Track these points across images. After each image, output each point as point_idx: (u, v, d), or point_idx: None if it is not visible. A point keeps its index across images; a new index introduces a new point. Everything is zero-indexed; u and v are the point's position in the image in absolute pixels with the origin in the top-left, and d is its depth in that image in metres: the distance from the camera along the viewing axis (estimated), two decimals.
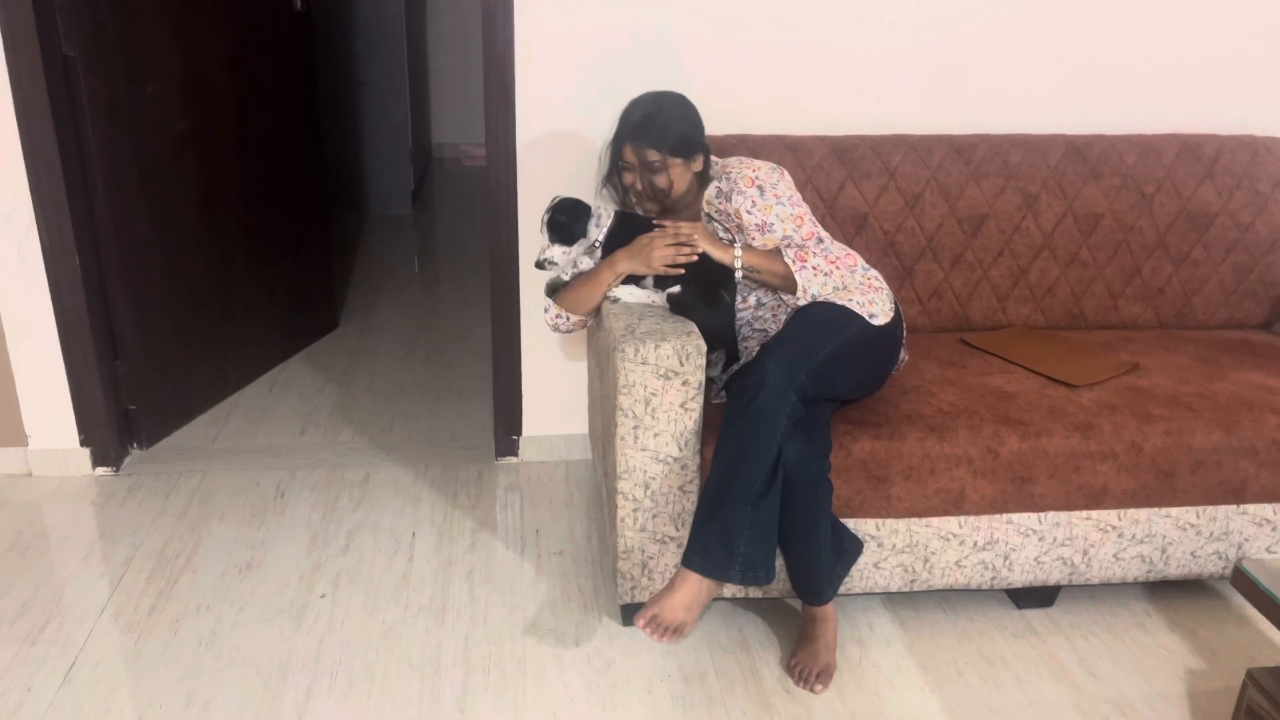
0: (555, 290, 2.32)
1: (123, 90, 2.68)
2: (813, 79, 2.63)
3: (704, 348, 2.02)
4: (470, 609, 2.32)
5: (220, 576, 2.40)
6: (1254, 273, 2.71)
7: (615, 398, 2.04)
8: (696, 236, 2.14)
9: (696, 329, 2.07)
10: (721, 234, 2.25)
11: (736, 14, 2.56)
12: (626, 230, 2.23)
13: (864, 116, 2.64)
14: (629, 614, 2.26)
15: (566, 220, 2.22)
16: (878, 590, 2.24)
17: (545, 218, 2.22)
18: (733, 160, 2.27)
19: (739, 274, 2.16)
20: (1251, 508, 2.25)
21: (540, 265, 2.25)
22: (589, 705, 2.05)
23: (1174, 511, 2.23)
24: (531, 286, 2.76)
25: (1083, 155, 2.63)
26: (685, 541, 2.13)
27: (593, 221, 2.23)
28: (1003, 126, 2.68)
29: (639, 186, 2.23)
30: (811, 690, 2.09)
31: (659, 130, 2.18)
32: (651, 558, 2.16)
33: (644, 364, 2.00)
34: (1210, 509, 2.24)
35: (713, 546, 1.99)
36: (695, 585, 2.00)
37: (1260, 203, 2.68)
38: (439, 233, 5.39)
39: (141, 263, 2.83)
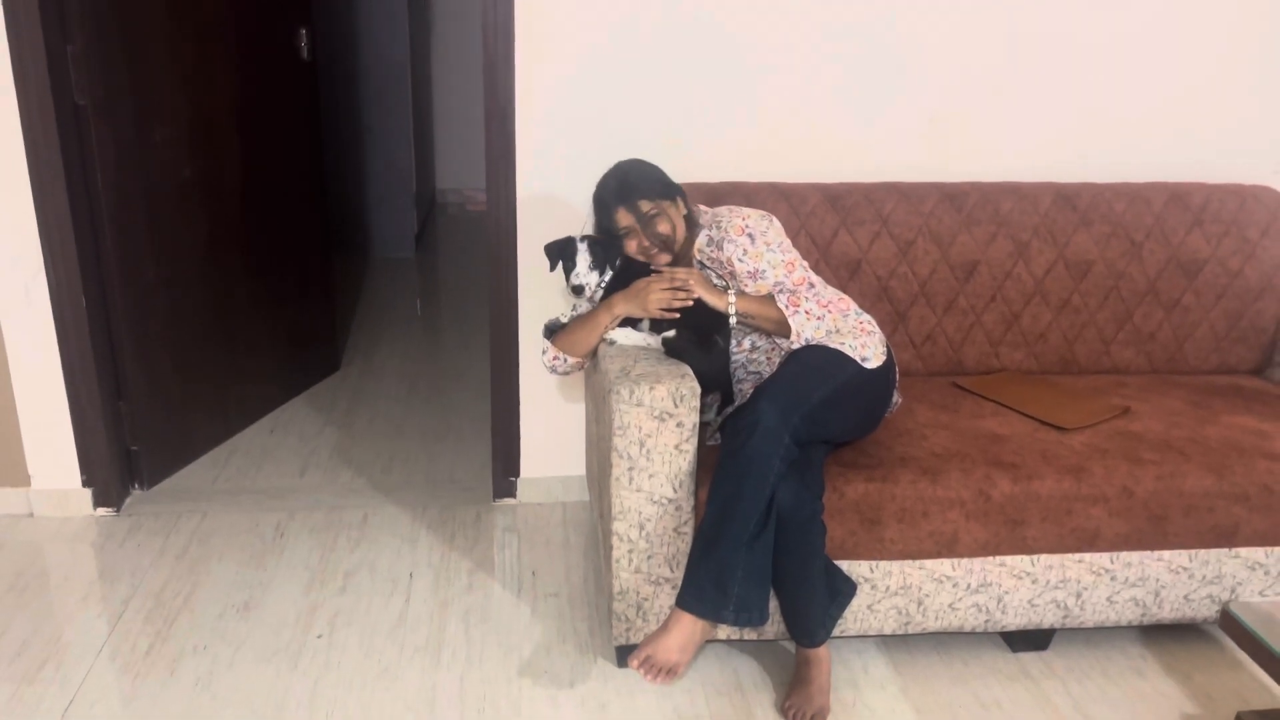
0: (553, 332, 2.36)
1: (132, 137, 2.74)
2: (805, 127, 2.69)
3: (698, 390, 2.05)
4: (466, 650, 2.32)
5: (218, 617, 2.41)
6: (1244, 318, 2.75)
7: (610, 439, 2.06)
8: (692, 283, 2.18)
9: (691, 371, 2.11)
10: (715, 280, 2.28)
11: (733, 66, 2.62)
12: (625, 275, 2.27)
13: (857, 164, 2.69)
14: (624, 655, 2.26)
15: (603, 247, 2.27)
16: (872, 633, 2.25)
17: (583, 243, 2.27)
18: (722, 209, 2.32)
19: (733, 320, 2.20)
20: (1244, 551, 2.26)
21: (578, 290, 2.29)
22: None
23: (1166, 555, 2.25)
24: (530, 330, 2.79)
25: (1072, 203, 2.68)
26: (679, 583, 2.14)
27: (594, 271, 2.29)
28: (993, 174, 2.73)
29: (645, 243, 2.28)
30: None
31: (639, 182, 2.26)
32: (646, 599, 2.17)
33: (639, 405, 2.03)
34: (1203, 553, 2.25)
35: (706, 587, 2.01)
36: (689, 626, 2.01)
37: (1249, 250, 2.72)
38: (441, 276, 5.44)
39: (147, 305, 2.87)
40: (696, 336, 2.19)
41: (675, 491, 2.09)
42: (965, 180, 2.70)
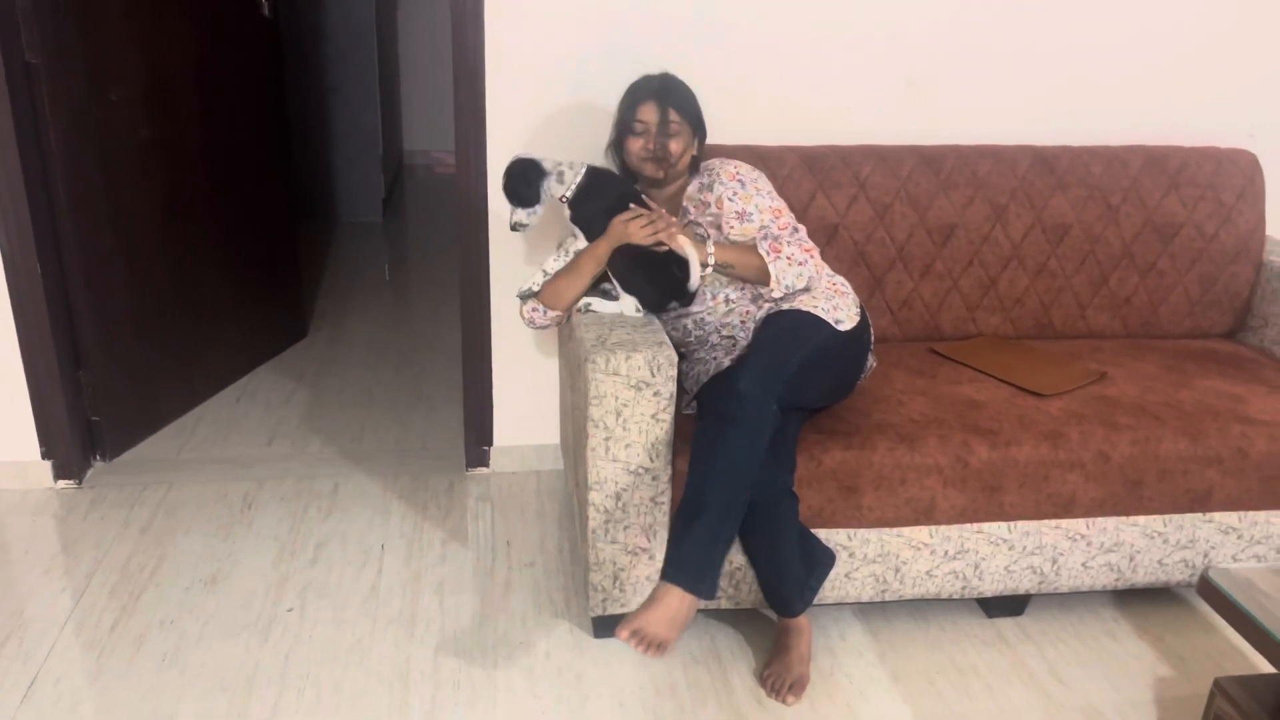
0: (530, 296, 2.32)
1: (86, 97, 2.64)
2: (782, 89, 2.64)
3: (675, 359, 2.02)
4: (440, 621, 2.30)
5: (185, 590, 2.37)
6: (1218, 283, 2.75)
7: (586, 409, 2.03)
8: (674, 229, 2.13)
9: (668, 340, 2.08)
10: (703, 220, 2.26)
11: (706, 26, 2.56)
12: (599, 188, 2.23)
13: (833, 127, 2.65)
14: (601, 626, 2.25)
15: (515, 185, 2.23)
16: (850, 600, 2.25)
17: (502, 183, 2.24)
18: (714, 160, 2.31)
19: (709, 269, 2.15)
20: (1218, 516, 2.27)
21: (514, 228, 2.26)
22: (560, 717, 2.03)
23: (1141, 520, 2.25)
24: (501, 296, 2.74)
25: (1050, 166, 2.65)
26: (656, 553, 2.12)
27: (552, 178, 2.23)
28: (971, 137, 2.70)
29: (650, 147, 2.23)
30: (784, 702, 2.08)
31: (682, 96, 2.24)
32: (623, 569, 2.15)
33: (615, 375, 1.99)
34: (1177, 517, 2.26)
35: (690, 560, 1.98)
36: (677, 600, 1.96)
37: (1224, 214, 2.71)
38: (410, 240, 5.35)
39: (105, 272, 2.79)
40: (656, 296, 2.20)
41: (652, 461, 2.06)
42: (943, 143, 2.67)
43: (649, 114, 2.22)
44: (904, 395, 2.32)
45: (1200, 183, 2.70)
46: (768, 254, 2.15)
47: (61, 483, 2.78)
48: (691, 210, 2.27)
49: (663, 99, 2.22)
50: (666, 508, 2.11)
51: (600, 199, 2.22)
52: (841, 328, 2.14)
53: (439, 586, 2.42)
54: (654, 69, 2.57)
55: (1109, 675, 2.20)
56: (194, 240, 3.11)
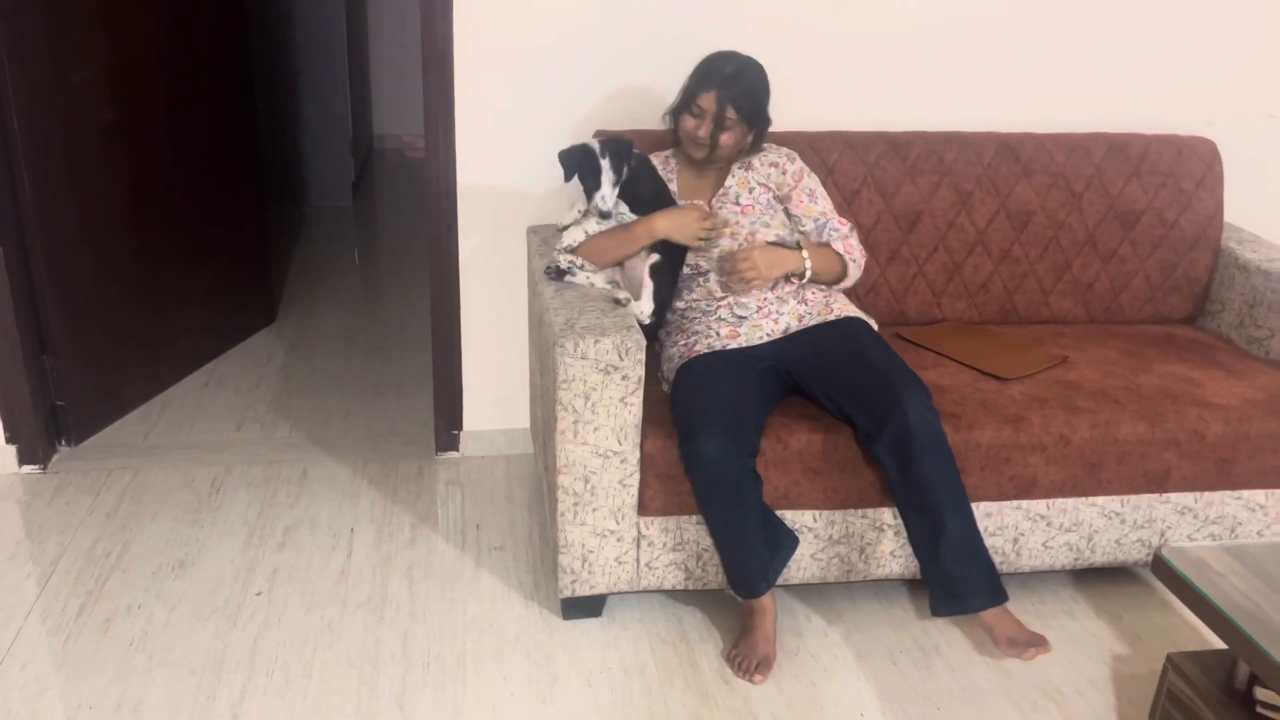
0: (569, 251, 2.34)
1: (48, 79, 2.61)
2: None
3: (643, 342, 2.04)
4: (410, 604, 2.30)
5: (152, 575, 2.36)
6: (1178, 269, 2.79)
7: (555, 392, 2.04)
8: (756, 270, 2.21)
9: (636, 325, 2.10)
10: (745, 196, 2.33)
11: (675, 12, 2.56)
12: (646, 178, 2.29)
13: (801, 113, 2.67)
14: (570, 608, 2.27)
15: (619, 156, 2.22)
16: (815, 581, 2.28)
17: (605, 157, 2.20)
18: (779, 146, 2.43)
19: (807, 275, 2.29)
20: (1174, 496, 2.32)
21: (605, 215, 2.26)
22: (529, 698, 2.05)
23: (1100, 501, 2.30)
24: (470, 280, 2.74)
25: (1015, 153, 2.69)
26: (624, 535, 2.14)
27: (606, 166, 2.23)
28: (937, 124, 2.72)
29: (701, 134, 2.26)
30: (751, 681, 2.11)
31: (745, 92, 2.25)
32: (592, 552, 2.16)
33: (584, 359, 2.00)
34: (1134, 498, 2.31)
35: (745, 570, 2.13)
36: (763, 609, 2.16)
37: (1184, 201, 2.76)
38: (380, 225, 5.32)
39: (69, 255, 2.76)
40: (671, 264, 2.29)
41: (621, 444, 2.08)
42: (910, 129, 2.69)
43: (709, 103, 2.24)
44: None
45: (1161, 170, 2.74)
46: (845, 254, 2.33)
47: (26, 468, 2.76)
48: (756, 165, 2.35)
49: (726, 91, 2.22)
50: (635, 490, 2.13)
51: (647, 187, 2.29)
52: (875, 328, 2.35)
53: (408, 570, 2.43)
54: (622, 54, 2.59)
55: (1068, 653, 2.25)
56: (160, 224, 3.08)
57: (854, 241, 2.37)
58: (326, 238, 4.88)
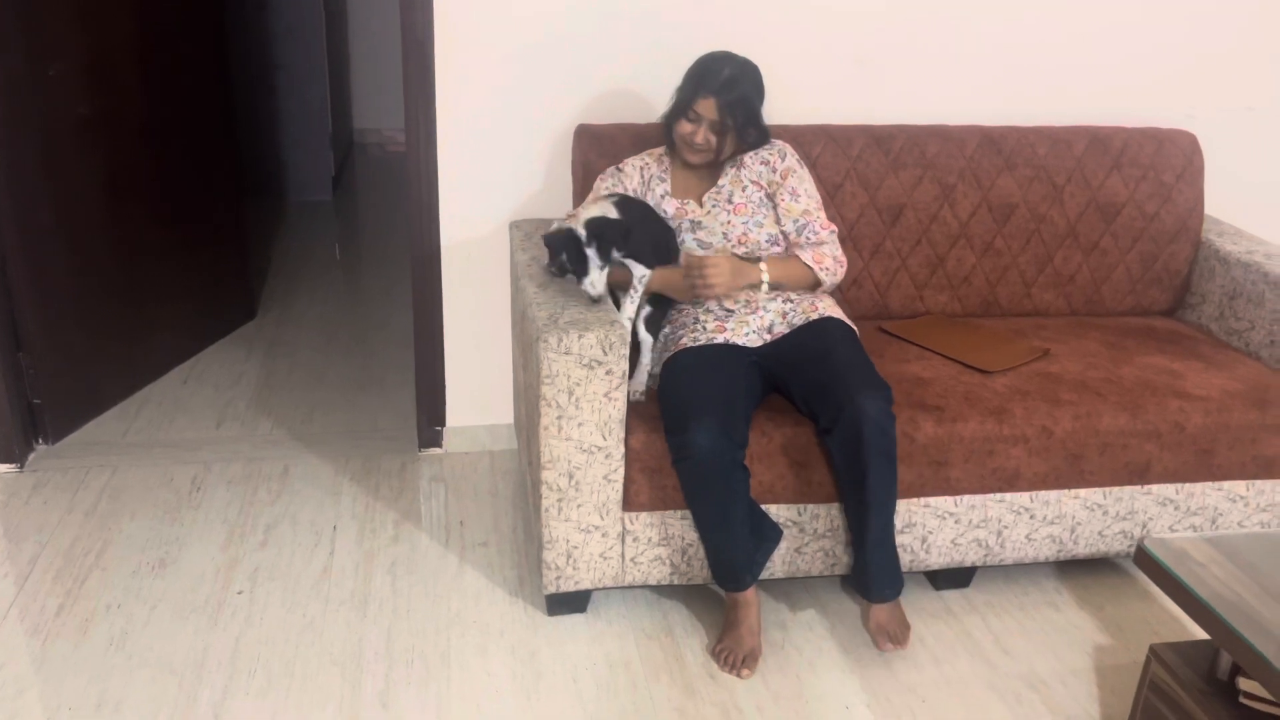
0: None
1: (23, 72, 2.57)
2: None
3: (627, 337, 2.03)
4: (393, 602, 2.29)
5: (132, 575, 2.33)
6: (1159, 261, 2.81)
7: (539, 387, 2.03)
8: (723, 274, 2.18)
9: (620, 320, 2.09)
10: (738, 194, 2.32)
11: (655, 4, 2.55)
12: (649, 230, 2.25)
13: (783, 107, 2.65)
14: (554, 604, 2.26)
15: (604, 237, 2.12)
16: (800, 575, 2.28)
17: (591, 243, 2.10)
18: (778, 141, 2.40)
19: (765, 287, 2.27)
20: (1155, 488, 2.34)
21: (596, 301, 2.14)
22: (514, 695, 2.04)
23: (1082, 493, 2.31)
24: (452, 275, 2.73)
25: (997, 146, 2.69)
26: (608, 530, 2.14)
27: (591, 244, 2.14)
28: (919, 117, 2.73)
29: (698, 140, 2.24)
30: (738, 675, 2.11)
31: (742, 99, 2.23)
32: (576, 547, 2.15)
33: (567, 354, 1.99)
34: (1116, 490, 2.32)
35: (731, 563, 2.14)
36: (748, 603, 2.15)
37: (1165, 193, 2.77)
38: (361, 220, 5.29)
39: (45, 251, 2.72)
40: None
41: (605, 439, 2.07)
42: (893, 123, 2.69)
43: (708, 110, 2.21)
44: None
45: (1142, 163, 2.76)
46: (813, 264, 2.29)
47: (3, 467, 2.72)
48: (745, 164, 2.33)
49: (723, 97, 2.20)
50: (619, 485, 2.12)
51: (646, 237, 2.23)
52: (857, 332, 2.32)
53: (391, 567, 2.41)
54: (604, 48, 2.58)
55: (1051, 645, 2.26)
56: (137, 219, 3.05)
57: (828, 250, 2.31)
58: (307, 233, 4.84)
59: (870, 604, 2.19)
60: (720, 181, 2.33)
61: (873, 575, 2.15)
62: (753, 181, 2.33)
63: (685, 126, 2.25)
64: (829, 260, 2.31)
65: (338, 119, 5.48)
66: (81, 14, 2.73)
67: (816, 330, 2.25)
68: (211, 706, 1.97)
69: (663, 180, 2.35)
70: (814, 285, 2.32)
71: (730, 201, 2.31)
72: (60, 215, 2.75)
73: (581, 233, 2.10)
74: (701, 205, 2.32)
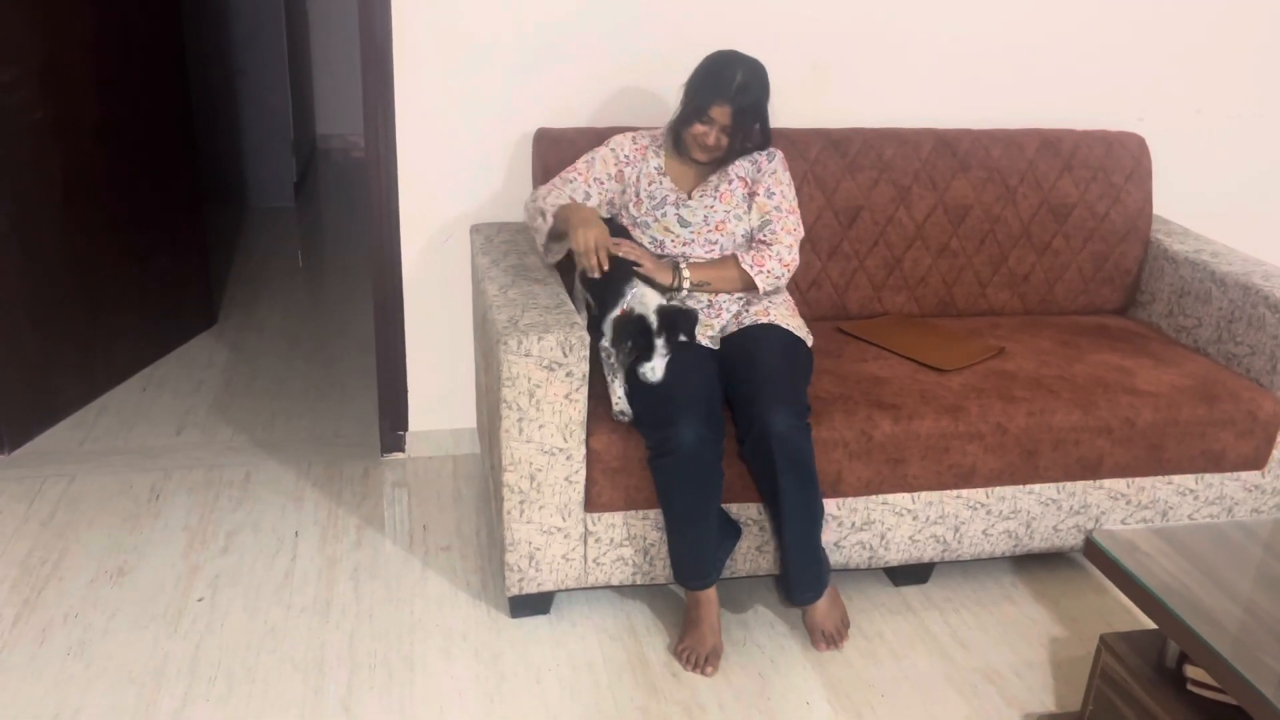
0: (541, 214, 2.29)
1: None
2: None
3: (587, 339, 2.04)
4: (355, 607, 2.29)
5: (90, 583, 2.31)
6: (1110, 260, 2.86)
7: (499, 390, 2.04)
8: (641, 259, 2.20)
9: (581, 322, 2.10)
10: (724, 186, 2.34)
11: (610, 7, 2.57)
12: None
13: None
14: (517, 606, 2.26)
15: (672, 329, 2.10)
16: (761, 573, 2.30)
17: (660, 337, 2.07)
18: (775, 149, 2.42)
19: (685, 290, 2.25)
20: (1107, 482, 2.38)
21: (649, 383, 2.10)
22: (477, 698, 2.05)
23: (1037, 488, 2.35)
24: (413, 281, 2.73)
25: (952, 149, 2.73)
26: (570, 532, 2.15)
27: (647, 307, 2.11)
28: (875, 120, 2.76)
29: (709, 141, 2.26)
30: (702, 673, 2.13)
31: (753, 104, 2.26)
32: (539, 549, 2.16)
33: (527, 356, 2.00)
34: (1070, 485, 2.37)
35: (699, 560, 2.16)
36: (709, 601, 2.18)
37: (1114, 194, 2.83)
38: (323, 225, 5.26)
39: None
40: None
41: (566, 441, 2.08)
42: (849, 126, 2.73)
43: (722, 115, 2.23)
44: (812, 374, 2.37)
45: (1092, 164, 2.81)
46: (751, 267, 2.27)
47: None
48: (732, 174, 2.35)
49: (738, 103, 2.22)
50: (581, 487, 2.13)
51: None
52: (809, 344, 2.33)
53: (354, 572, 2.41)
54: (561, 50, 2.59)
55: (1007, 638, 2.30)
56: (93, 225, 3.02)
57: (774, 251, 2.29)
58: (269, 239, 4.81)
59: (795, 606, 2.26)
60: (710, 176, 2.37)
61: (792, 579, 2.18)
62: (739, 177, 2.36)
63: (698, 128, 2.27)
64: (771, 263, 2.28)
65: (300, 125, 5.45)
66: (35, 18, 2.71)
67: (755, 336, 2.25)
68: (171, 714, 1.96)
69: (657, 155, 2.38)
70: (749, 287, 2.30)
71: (716, 190, 2.35)
72: (14, 221, 2.72)
73: (653, 320, 2.08)
74: (692, 195, 2.35)
